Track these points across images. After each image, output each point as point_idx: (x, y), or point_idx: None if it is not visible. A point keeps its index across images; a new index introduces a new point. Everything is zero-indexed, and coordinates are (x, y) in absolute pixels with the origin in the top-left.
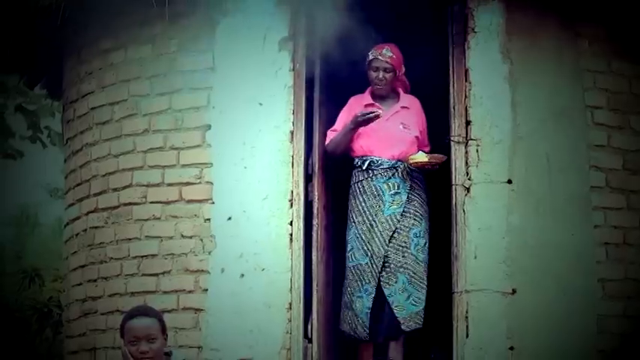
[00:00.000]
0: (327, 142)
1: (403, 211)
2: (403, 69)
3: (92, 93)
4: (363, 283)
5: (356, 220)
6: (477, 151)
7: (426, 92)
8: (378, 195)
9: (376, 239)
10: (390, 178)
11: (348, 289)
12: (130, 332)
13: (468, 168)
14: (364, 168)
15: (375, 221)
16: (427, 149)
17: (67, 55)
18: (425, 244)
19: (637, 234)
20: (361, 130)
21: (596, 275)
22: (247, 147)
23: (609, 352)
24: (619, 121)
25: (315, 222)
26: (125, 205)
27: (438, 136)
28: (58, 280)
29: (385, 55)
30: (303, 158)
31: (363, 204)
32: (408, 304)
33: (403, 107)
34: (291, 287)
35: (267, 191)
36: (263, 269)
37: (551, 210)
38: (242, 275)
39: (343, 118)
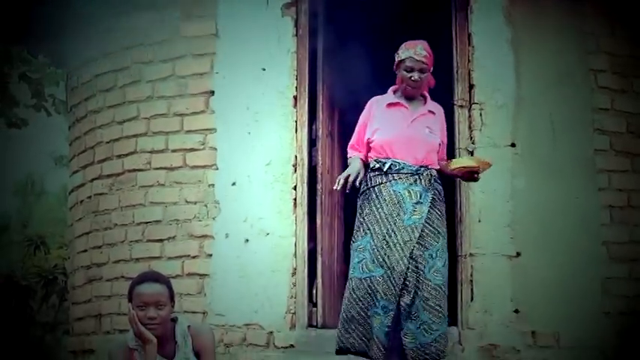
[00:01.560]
0: (349, 154)
1: (423, 224)
2: (431, 69)
3: (96, 60)
4: (378, 298)
5: (371, 228)
6: (481, 114)
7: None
8: (398, 202)
9: (395, 252)
10: (411, 184)
11: (359, 303)
12: (138, 297)
13: (471, 132)
14: (384, 170)
15: (393, 231)
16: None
17: (71, 23)
18: (443, 264)
19: None
20: (383, 128)
21: (601, 238)
22: (251, 112)
23: (614, 314)
24: (622, 85)
25: (319, 187)
26: (129, 171)
27: (441, 100)
28: (63, 247)
29: (420, 53)
30: (306, 123)
31: (381, 210)
32: (419, 333)
33: (430, 111)
34: (296, 252)
35: (271, 156)
36: (267, 234)
37: (556, 173)
38: (246, 240)
39: (363, 123)
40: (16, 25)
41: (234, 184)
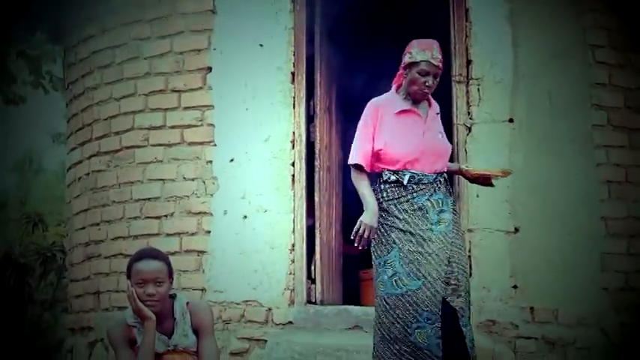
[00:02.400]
0: (356, 162)
1: (453, 229)
2: None
3: (93, 37)
4: (420, 311)
5: (397, 242)
6: (479, 90)
7: (426, 32)
8: (423, 214)
9: (431, 260)
10: (432, 194)
11: (398, 321)
12: (137, 274)
13: (469, 107)
14: (403, 184)
15: (424, 240)
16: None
17: None
18: (465, 256)
19: (639, 172)
20: (397, 141)
21: (599, 213)
22: (248, 89)
23: (613, 290)
24: (620, 60)
25: (317, 163)
26: (127, 148)
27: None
28: (61, 224)
29: (437, 57)
30: (304, 99)
31: (405, 223)
32: (471, 333)
33: (438, 114)
34: (294, 228)
35: (269, 132)
36: (265, 210)
37: (554, 149)
38: (245, 217)
39: (370, 132)
40: (13, 2)
41: (232, 160)
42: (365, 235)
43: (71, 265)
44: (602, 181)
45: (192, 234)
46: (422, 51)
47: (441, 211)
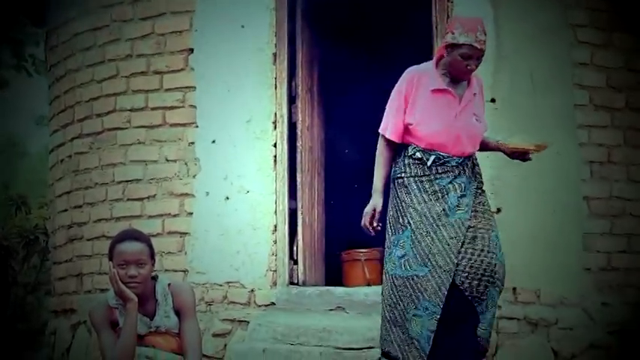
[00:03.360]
0: (385, 134)
1: (473, 212)
2: None
3: (75, 19)
4: (421, 299)
5: (411, 222)
6: None
7: (408, 13)
8: (442, 197)
9: (441, 247)
10: (456, 177)
11: (400, 304)
12: (119, 256)
13: None
14: (427, 164)
15: (438, 226)
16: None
17: None
18: (497, 237)
19: (621, 152)
20: (428, 120)
21: (581, 193)
22: (230, 70)
23: (595, 270)
24: (602, 39)
25: (299, 144)
26: (109, 130)
27: (420, 57)
28: (44, 207)
29: (481, 39)
30: (286, 80)
31: (423, 204)
32: (492, 319)
33: (475, 94)
34: (276, 209)
35: (251, 113)
36: (248, 192)
37: (536, 128)
38: (227, 198)
39: (399, 94)
40: None
41: (214, 141)
42: (366, 223)
43: (54, 248)
44: (584, 160)
45: (175, 215)
46: (465, 33)
47: (462, 195)
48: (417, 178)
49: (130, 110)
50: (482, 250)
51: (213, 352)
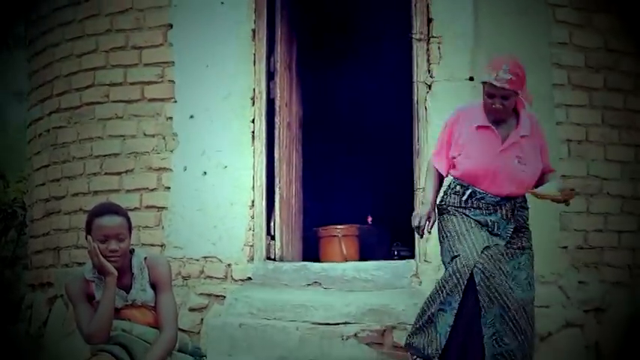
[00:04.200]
0: (433, 164)
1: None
2: (525, 87)
3: None
4: (446, 294)
5: (448, 234)
6: (439, 48)
7: None
8: (474, 225)
9: (465, 245)
10: (490, 214)
11: (435, 301)
12: (100, 230)
13: (429, 65)
14: (464, 198)
15: (465, 233)
16: (550, 166)
17: None
18: (526, 279)
19: (599, 131)
20: (469, 154)
21: (559, 172)
22: (209, 45)
23: (572, 248)
24: (581, 19)
25: (277, 120)
26: (87, 104)
27: (399, 34)
28: (22, 181)
29: (502, 78)
30: (265, 56)
31: (458, 224)
32: (490, 342)
33: (522, 136)
34: (254, 185)
35: (229, 89)
36: (225, 167)
37: None
38: (204, 173)
39: (448, 138)
40: None
41: (192, 117)
42: (416, 224)
43: (31, 221)
44: (562, 139)
45: (152, 190)
46: (488, 71)
47: (495, 234)
48: (453, 208)
49: (108, 85)
50: (498, 264)
51: (190, 327)
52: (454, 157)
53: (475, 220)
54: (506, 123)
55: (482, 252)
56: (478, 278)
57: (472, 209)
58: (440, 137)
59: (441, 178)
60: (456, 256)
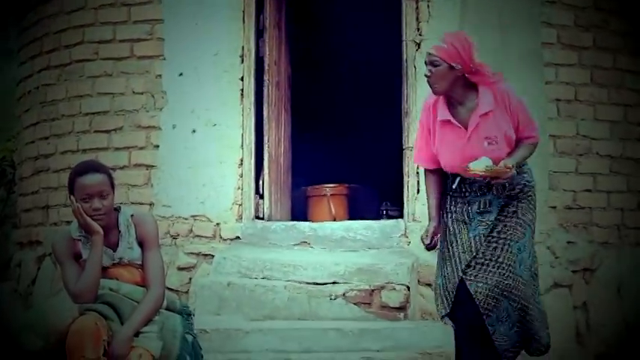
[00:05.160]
0: (417, 164)
1: (497, 222)
2: (472, 63)
3: None
4: (438, 305)
5: (445, 235)
6: (428, 6)
7: None
8: (467, 216)
9: (453, 261)
10: (484, 194)
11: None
12: (81, 189)
13: (418, 24)
14: (454, 187)
15: (455, 242)
16: (531, 134)
17: None
18: (530, 257)
19: (588, 90)
20: (441, 151)
21: (548, 131)
22: (198, 3)
23: (560, 208)
24: None
25: (266, 78)
26: (77, 62)
27: None
28: (11, 140)
29: (434, 46)
30: (254, 14)
31: (451, 220)
32: (512, 334)
33: (483, 115)
34: (243, 143)
35: (218, 47)
36: (214, 125)
37: (503, 66)
38: (193, 131)
39: (421, 126)
40: None
41: (181, 74)
42: (427, 243)
43: (20, 180)
44: (551, 99)
45: (141, 148)
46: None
47: (486, 211)
48: (452, 195)
49: (97, 42)
50: (496, 262)
51: (178, 286)
52: (435, 153)
53: (468, 203)
54: (467, 103)
55: (471, 262)
56: (475, 293)
57: (466, 192)
58: (419, 136)
59: (438, 183)
60: (441, 270)
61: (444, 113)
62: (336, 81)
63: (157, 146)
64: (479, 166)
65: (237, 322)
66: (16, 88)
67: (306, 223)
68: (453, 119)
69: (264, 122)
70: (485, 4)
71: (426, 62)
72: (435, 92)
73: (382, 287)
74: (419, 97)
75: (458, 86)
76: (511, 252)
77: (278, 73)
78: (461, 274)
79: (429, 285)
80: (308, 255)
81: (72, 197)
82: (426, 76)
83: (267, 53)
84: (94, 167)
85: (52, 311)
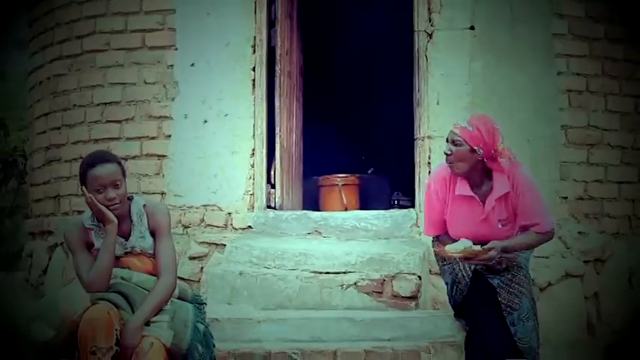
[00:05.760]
0: (430, 234)
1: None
2: (494, 149)
3: None
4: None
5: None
6: None
7: None
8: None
9: (460, 264)
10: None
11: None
12: (95, 181)
13: (430, 14)
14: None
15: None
16: (534, 221)
17: None
18: (532, 328)
19: (599, 81)
20: (454, 223)
21: (559, 122)
22: None
23: (571, 199)
24: None
25: (277, 68)
26: (88, 52)
27: None
28: (23, 130)
29: (457, 125)
30: (265, 4)
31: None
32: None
33: (500, 198)
34: (254, 133)
35: (230, 37)
36: (226, 115)
37: (514, 57)
38: (205, 121)
39: (437, 196)
40: None
41: (193, 65)
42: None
43: (32, 170)
44: (562, 90)
45: (153, 138)
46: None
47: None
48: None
49: (109, 32)
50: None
51: (190, 275)
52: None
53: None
54: (482, 186)
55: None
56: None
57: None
58: (431, 207)
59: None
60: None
61: (464, 189)
62: (348, 71)
63: (169, 136)
64: (454, 249)
65: (248, 311)
66: (28, 78)
67: (318, 213)
68: (476, 197)
69: (276, 112)
70: None
71: (447, 140)
72: (454, 172)
73: (393, 277)
74: (430, 88)
75: (477, 169)
76: (512, 316)
77: (290, 63)
78: (469, 272)
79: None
80: (319, 244)
81: (84, 188)
82: (445, 154)
83: (279, 43)
84: (105, 158)
85: (64, 301)
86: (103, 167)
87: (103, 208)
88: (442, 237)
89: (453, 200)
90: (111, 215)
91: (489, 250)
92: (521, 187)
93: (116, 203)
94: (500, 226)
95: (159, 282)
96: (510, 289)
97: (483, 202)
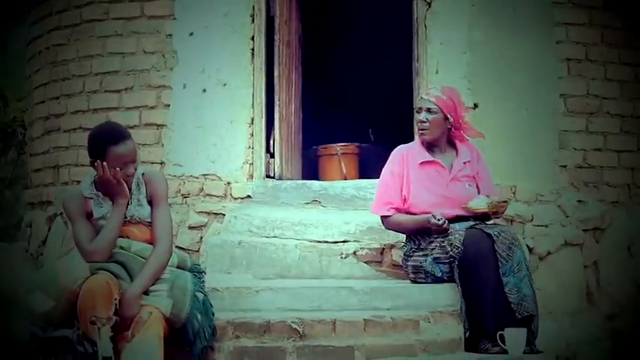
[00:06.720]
0: (383, 213)
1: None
2: (461, 119)
3: None
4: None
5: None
6: None
7: None
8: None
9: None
10: (449, 234)
11: None
12: (119, 158)
13: None
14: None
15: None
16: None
17: None
18: (524, 276)
19: (599, 50)
20: (420, 192)
21: (558, 91)
22: None
23: (571, 167)
24: None
25: (276, 37)
26: (87, 22)
27: None
28: (22, 100)
29: (431, 93)
30: None
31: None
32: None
33: (466, 162)
34: (253, 102)
35: (229, 6)
36: (225, 84)
37: (513, 25)
38: (204, 90)
39: (392, 175)
40: None
41: (191, 34)
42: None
43: (31, 140)
44: (561, 58)
45: (152, 108)
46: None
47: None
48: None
49: (108, 2)
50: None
51: (189, 245)
52: (406, 197)
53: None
54: (447, 152)
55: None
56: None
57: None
58: (387, 185)
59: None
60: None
61: (425, 155)
62: (347, 40)
63: (168, 106)
64: (480, 204)
65: (247, 280)
66: (27, 48)
67: (317, 182)
68: (438, 160)
69: (275, 81)
70: None
71: (420, 108)
72: (423, 138)
73: (392, 246)
74: (429, 57)
75: (444, 137)
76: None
77: (289, 33)
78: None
79: None
80: (319, 214)
81: (102, 163)
82: (421, 121)
83: (278, 12)
84: (125, 134)
85: (63, 271)
86: (126, 145)
87: (124, 186)
88: (397, 216)
89: (417, 171)
90: (127, 190)
91: (506, 201)
92: (481, 159)
93: (131, 178)
94: (467, 185)
95: (154, 250)
96: (504, 239)
97: (449, 168)
